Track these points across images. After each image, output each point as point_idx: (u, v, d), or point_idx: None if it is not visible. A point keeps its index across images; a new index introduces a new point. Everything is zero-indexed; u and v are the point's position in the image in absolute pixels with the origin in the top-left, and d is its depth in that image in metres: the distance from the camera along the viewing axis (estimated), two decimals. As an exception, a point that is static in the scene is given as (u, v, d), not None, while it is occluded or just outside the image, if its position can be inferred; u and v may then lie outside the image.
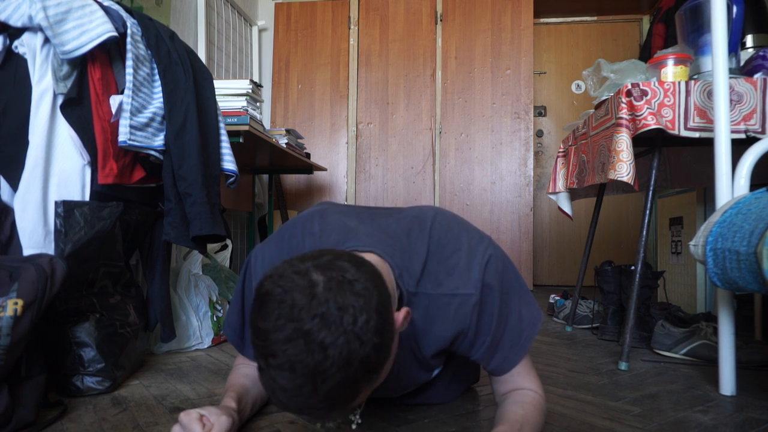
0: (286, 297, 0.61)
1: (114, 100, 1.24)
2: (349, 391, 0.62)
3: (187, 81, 1.38)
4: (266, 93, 3.61)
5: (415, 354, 0.87)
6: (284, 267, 0.64)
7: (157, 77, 1.34)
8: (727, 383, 1.18)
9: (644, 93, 1.38)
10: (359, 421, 0.94)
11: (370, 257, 0.78)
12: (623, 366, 1.40)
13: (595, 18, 3.87)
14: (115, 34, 1.21)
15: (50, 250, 1.15)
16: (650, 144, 1.53)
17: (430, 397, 1.07)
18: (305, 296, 0.60)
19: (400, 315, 0.71)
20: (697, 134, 1.36)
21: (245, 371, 1.00)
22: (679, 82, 1.38)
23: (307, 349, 0.59)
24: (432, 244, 0.84)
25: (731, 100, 1.32)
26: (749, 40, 2.11)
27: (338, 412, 0.64)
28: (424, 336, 0.85)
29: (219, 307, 1.74)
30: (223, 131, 1.54)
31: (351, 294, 0.62)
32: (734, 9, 1.40)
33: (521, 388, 0.87)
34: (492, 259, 0.84)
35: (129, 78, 1.25)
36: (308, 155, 2.74)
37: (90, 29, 1.17)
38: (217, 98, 1.56)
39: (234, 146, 1.75)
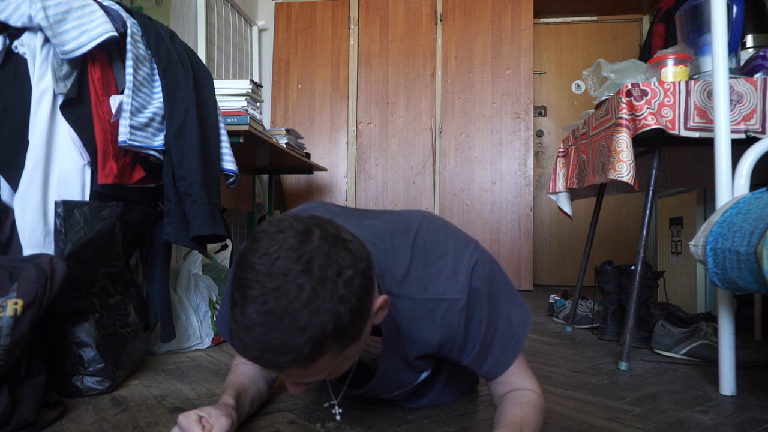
0: (279, 236, 0.62)
1: (114, 100, 1.24)
2: (313, 345, 0.60)
3: (187, 81, 1.38)
4: (266, 93, 3.61)
5: (402, 355, 0.87)
6: (285, 215, 0.66)
7: (157, 77, 1.34)
8: (727, 383, 1.17)
9: (644, 93, 1.38)
10: (341, 411, 0.96)
11: None
12: (623, 366, 1.40)
13: (595, 18, 3.87)
14: (115, 34, 1.21)
15: (50, 250, 1.15)
16: (650, 144, 1.53)
17: (431, 401, 1.07)
18: (298, 239, 0.61)
19: (378, 300, 0.70)
20: (697, 134, 1.36)
21: (243, 370, 1.01)
22: (679, 82, 1.38)
23: (284, 285, 0.59)
24: (417, 248, 0.84)
25: (731, 100, 1.32)
26: (749, 40, 2.11)
27: (297, 366, 0.62)
28: (409, 339, 0.84)
29: (219, 307, 1.74)
30: (223, 131, 1.54)
31: (344, 249, 0.63)
32: (734, 9, 1.40)
33: (518, 389, 0.86)
34: (479, 263, 0.83)
35: (129, 78, 1.25)
36: (308, 155, 2.74)
37: (90, 29, 1.17)
38: (217, 98, 1.56)
39: (234, 146, 1.75)
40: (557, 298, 2.33)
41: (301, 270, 0.59)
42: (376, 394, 0.97)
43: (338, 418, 0.94)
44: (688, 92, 1.37)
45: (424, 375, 0.96)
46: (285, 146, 2.28)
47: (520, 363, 0.88)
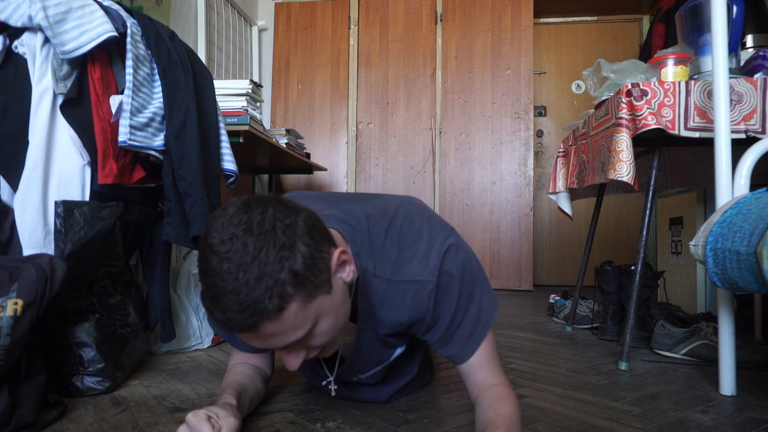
0: (222, 213, 0.68)
1: (114, 100, 1.24)
2: (273, 292, 0.64)
3: (187, 81, 1.38)
4: (266, 93, 3.61)
5: (375, 331, 0.90)
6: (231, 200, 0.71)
7: (157, 77, 1.34)
8: (727, 383, 1.17)
9: (644, 93, 1.38)
10: (335, 388, 0.99)
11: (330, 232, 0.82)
12: (623, 366, 1.40)
13: (595, 18, 3.87)
14: (115, 34, 1.21)
15: (50, 250, 1.15)
16: (650, 144, 1.53)
17: (411, 382, 1.11)
18: (239, 208, 0.67)
19: (335, 252, 0.74)
20: (697, 134, 1.36)
21: (240, 369, 1.01)
22: (679, 82, 1.38)
23: (231, 248, 0.64)
24: (393, 231, 0.87)
25: (731, 100, 1.32)
26: (749, 40, 2.11)
27: (268, 321, 0.66)
28: (380, 317, 0.87)
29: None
30: (223, 131, 1.54)
31: (280, 204, 0.69)
32: (734, 9, 1.40)
33: (492, 385, 0.87)
34: (452, 248, 0.85)
35: (129, 78, 1.25)
36: (308, 155, 2.74)
37: (90, 29, 1.17)
38: (217, 98, 1.56)
39: (234, 146, 1.75)
40: (557, 298, 2.33)
41: (243, 230, 0.65)
42: (356, 373, 0.99)
43: (333, 394, 0.98)
44: (688, 92, 1.37)
45: (398, 351, 0.98)
46: (285, 146, 2.28)
47: (488, 352, 0.89)
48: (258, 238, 0.64)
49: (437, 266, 0.83)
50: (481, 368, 0.88)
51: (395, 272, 0.84)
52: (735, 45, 1.44)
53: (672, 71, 1.48)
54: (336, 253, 0.74)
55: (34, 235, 1.14)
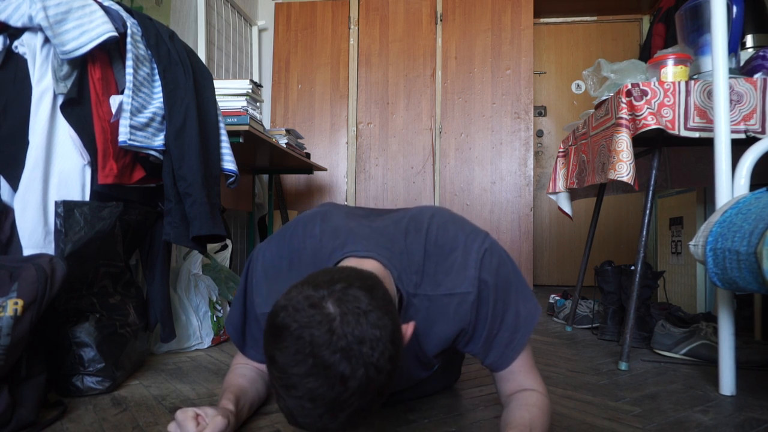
0: (303, 333, 0.61)
1: (114, 100, 1.24)
2: (364, 414, 0.64)
3: (187, 81, 1.38)
4: (266, 93, 3.61)
5: (417, 354, 0.88)
6: (298, 298, 0.63)
7: (157, 77, 1.34)
8: (727, 383, 1.18)
9: (644, 93, 1.38)
10: None
11: (369, 263, 0.79)
12: (623, 366, 1.40)
13: (595, 18, 3.87)
14: (115, 34, 1.21)
15: (50, 250, 1.15)
16: (650, 144, 1.53)
17: (418, 392, 1.08)
18: (324, 332, 0.60)
19: (408, 331, 0.72)
20: (697, 134, 1.36)
21: (242, 371, 1.00)
22: (679, 82, 1.38)
23: (328, 382, 0.60)
24: (429, 245, 0.85)
25: (731, 100, 1.32)
26: (749, 40, 2.11)
27: (353, 428, 0.67)
28: (426, 337, 0.85)
29: (219, 307, 1.74)
30: (223, 131, 1.54)
31: (368, 326, 0.62)
32: (734, 9, 1.40)
33: (525, 389, 0.86)
34: (486, 254, 0.84)
35: (129, 78, 1.25)
36: (308, 155, 2.74)
37: (90, 29, 1.17)
38: (217, 98, 1.56)
39: (234, 146, 1.75)
40: (557, 298, 2.33)
41: (337, 362, 0.60)
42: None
43: None
44: (688, 92, 1.37)
45: (432, 370, 0.97)
46: (285, 146, 2.28)
47: (527, 360, 0.88)
48: (357, 370, 0.60)
49: (476, 276, 0.82)
50: (518, 375, 0.87)
51: (435, 287, 0.83)
52: (735, 45, 1.44)
53: (672, 71, 1.48)
54: (408, 334, 0.72)
55: (34, 235, 1.14)
